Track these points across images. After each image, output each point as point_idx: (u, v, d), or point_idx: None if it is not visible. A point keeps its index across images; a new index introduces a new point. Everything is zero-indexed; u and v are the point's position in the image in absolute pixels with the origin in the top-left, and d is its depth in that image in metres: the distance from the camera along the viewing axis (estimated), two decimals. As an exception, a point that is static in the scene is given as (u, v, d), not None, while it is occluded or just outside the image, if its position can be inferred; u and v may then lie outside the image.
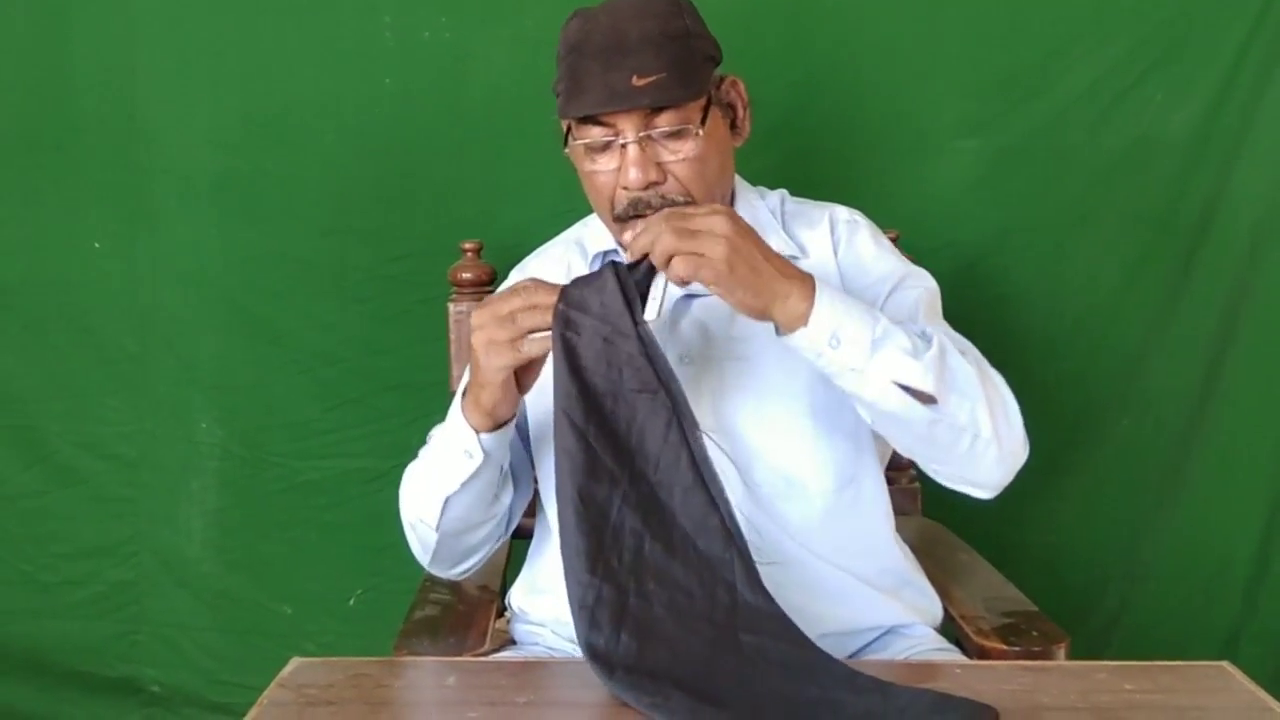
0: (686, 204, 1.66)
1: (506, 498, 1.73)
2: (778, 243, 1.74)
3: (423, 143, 2.47)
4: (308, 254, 2.50)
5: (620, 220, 1.70)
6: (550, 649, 1.76)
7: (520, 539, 1.92)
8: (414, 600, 1.90)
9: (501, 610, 1.92)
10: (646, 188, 1.66)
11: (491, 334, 1.49)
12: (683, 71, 1.65)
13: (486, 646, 1.73)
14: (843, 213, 1.86)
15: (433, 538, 1.70)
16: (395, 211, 2.49)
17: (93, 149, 2.50)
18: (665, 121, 1.64)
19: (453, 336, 2.27)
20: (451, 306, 2.27)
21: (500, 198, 2.47)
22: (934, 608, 1.79)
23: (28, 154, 2.51)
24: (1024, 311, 2.51)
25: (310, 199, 2.49)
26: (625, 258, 1.52)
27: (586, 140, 1.67)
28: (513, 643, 1.83)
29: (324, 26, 2.46)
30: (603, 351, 1.45)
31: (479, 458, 1.60)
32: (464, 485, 1.63)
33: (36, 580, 2.63)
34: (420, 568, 1.81)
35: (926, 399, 1.47)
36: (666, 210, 1.52)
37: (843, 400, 1.58)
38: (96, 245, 2.52)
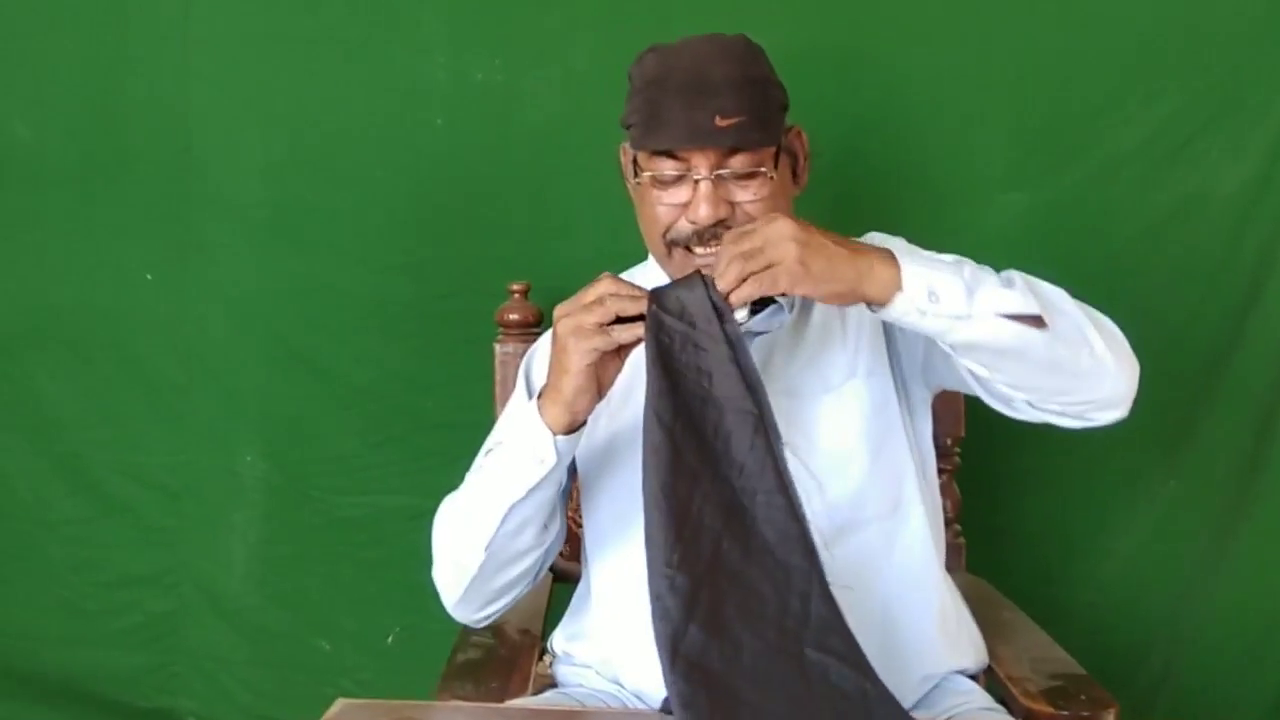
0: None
1: (555, 527, 1.74)
2: None
3: (471, 181, 2.53)
4: (352, 288, 2.56)
5: (671, 246, 1.74)
6: (594, 691, 1.79)
7: (561, 582, 1.95)
8: (455, 642, 1.94)
9: (543, 652, 1.96)
10: (715, 224, 1.70)
11: (579, 320, 1.52)
12: (761, 116, 1.69)
13: (529, 691, 1.77)
14: (875, 236, 1.89)
15: (476, 561, 1.69)
16: (442, 248, 2.54)
17: (145, 179, 2.58)
18: (739, 163, 1.69)
19: (498, 378, 2.31)
20: (498, 347, 2.32)
21: (546, 238, 2.52)
22: (982, 655, 1.83)
23: (81, 182, 2.60)
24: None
25: (356, 233, 2.55)
26: None
27: (657, 173, 1.71)
28: (554, 685, 1.86)
29: (377, 64, 2.53)
30: (693, 357, 1.50)
31: (551, 461, 1.61)
32: (530, 493, 1.63)
33: (76, 608, 2.69)
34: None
35: (1036, 322, 1.50)
36: (726, 235, 1.55)
37: (891, 429, 1.68)
38: (149, 277, 2.59)
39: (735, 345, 1.49)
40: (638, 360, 1.52)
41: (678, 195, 1.71)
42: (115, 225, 2.59)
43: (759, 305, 1.82)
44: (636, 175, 1.76)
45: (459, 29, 2.52)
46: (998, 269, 1.50)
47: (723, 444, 1.49)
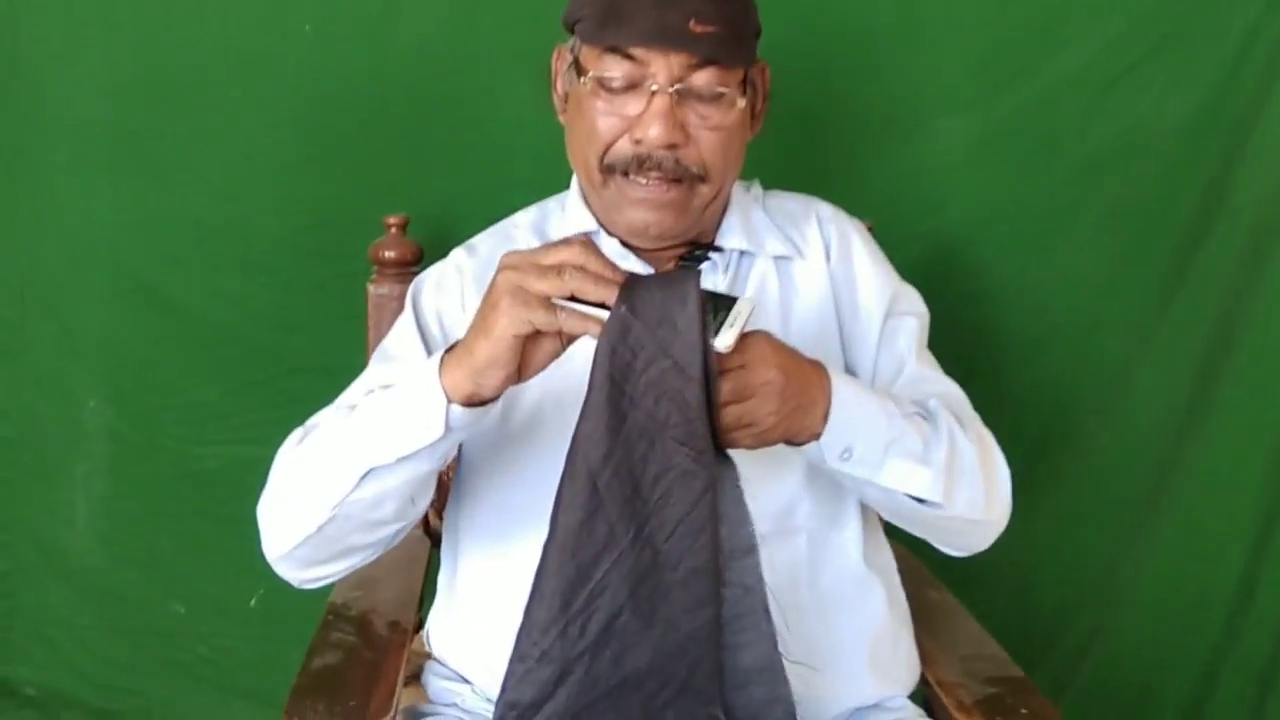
0: (698, 176, 1.58)
1: (424, 502, 1.54)
2: (775, 244, 1.71)
3: (342, 100, 2.30)
4: (209, 217, 2.33)
5: (608, 172, 1.59)
6: (467, 712, 1.63)
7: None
8: (313, 640, 1.74)
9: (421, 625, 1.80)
10: (666, 148, 1.54)
11: (526, 281, 1.29)
12: (738, 31, 1.57)
13: (394, 712, 1.58)
14: (825, 209, 1.81)
15: (316, 521, 1.47)
16: (309, 176, 2.32)
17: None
18: (705, 80, 1.54)
19: (371, 322, 2.13)
20: (372, 288, 2.13)
21: (427, 166, 2.31)
22: (915, 674, 1.71)
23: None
24: (1001, 310, 2.41)
25: (213, 157, 2.32)
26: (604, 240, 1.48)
27: (605, 75, 1.54)
28: (425, 698, 1.70)
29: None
30: (657, 381, 1.27)
31: (436, 433, 1.37)
32: (400, 462, 1.41)
33: (-104, 568, 2.49)
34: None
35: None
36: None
37: None
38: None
39: (710, 384, 1.29)
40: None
41: (625, 105, 1.55)
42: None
43: (688, 262, 1.65)
44: (578, 78, 1.59)
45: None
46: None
47: (659, 500, 1.30)
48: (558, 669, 1.31)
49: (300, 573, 1.59)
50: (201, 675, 2.50)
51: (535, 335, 1.32)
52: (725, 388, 1.30)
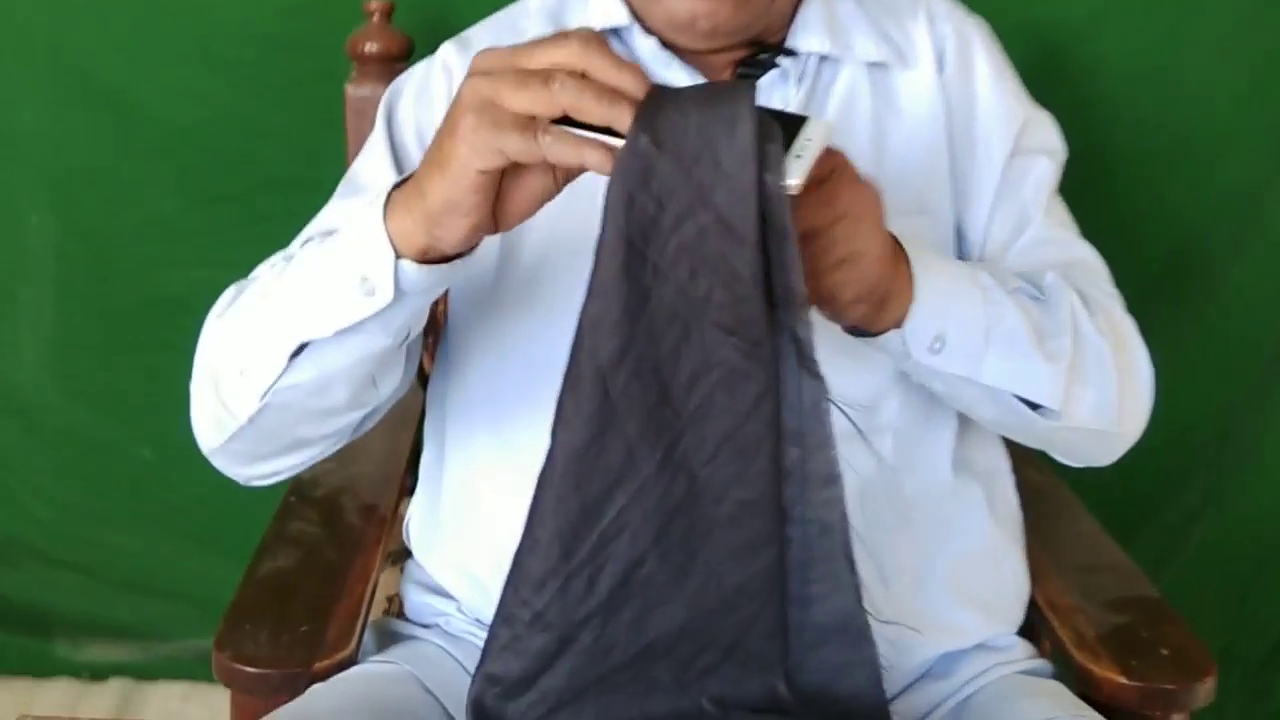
0: None
1: (388, 387, 1.21)
2: (869, 46, 1.31)
3: None
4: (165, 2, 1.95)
5: None
6: (451, 638, 1.33)
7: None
8: (266, 532, 1.42)
9: (397, 556, 1.48)
10: None
11: (501, 92, 0.92)
12: None
13: (353, 644, 1.24)
14: (939, 2, 1.39)
15: (245, 411, 1.16)
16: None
17: None
18: None
19: (351, 127, 1.79)
20: (350, 89, 1.78)
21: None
22: (1024, 600, 1.37)
23: None
24: (1116, 121, 2.00)
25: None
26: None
27: None
28: (401, 617, 1.39)
29: None
30: (693, 246, 0.91)
31: (385, 297, 1.03)
32: (341, 335, 1.08)
33: None
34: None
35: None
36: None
37: None
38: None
39: (772, 228, 0.90)
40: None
41: None
42: None
43: (749, 70, 1.27)
44: None
45: None
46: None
47: (696, 409, 0.94)
48: (555, 636, 0.99)
49: (242, 469, 1.28)
50: (173, 526, 2.24)
51: (516, 169, 0.95)
52: (802, 215, 0.93)
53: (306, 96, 1.95)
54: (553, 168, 0.95)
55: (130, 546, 2.25)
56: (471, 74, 0.94)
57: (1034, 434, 1.25)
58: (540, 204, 0.99)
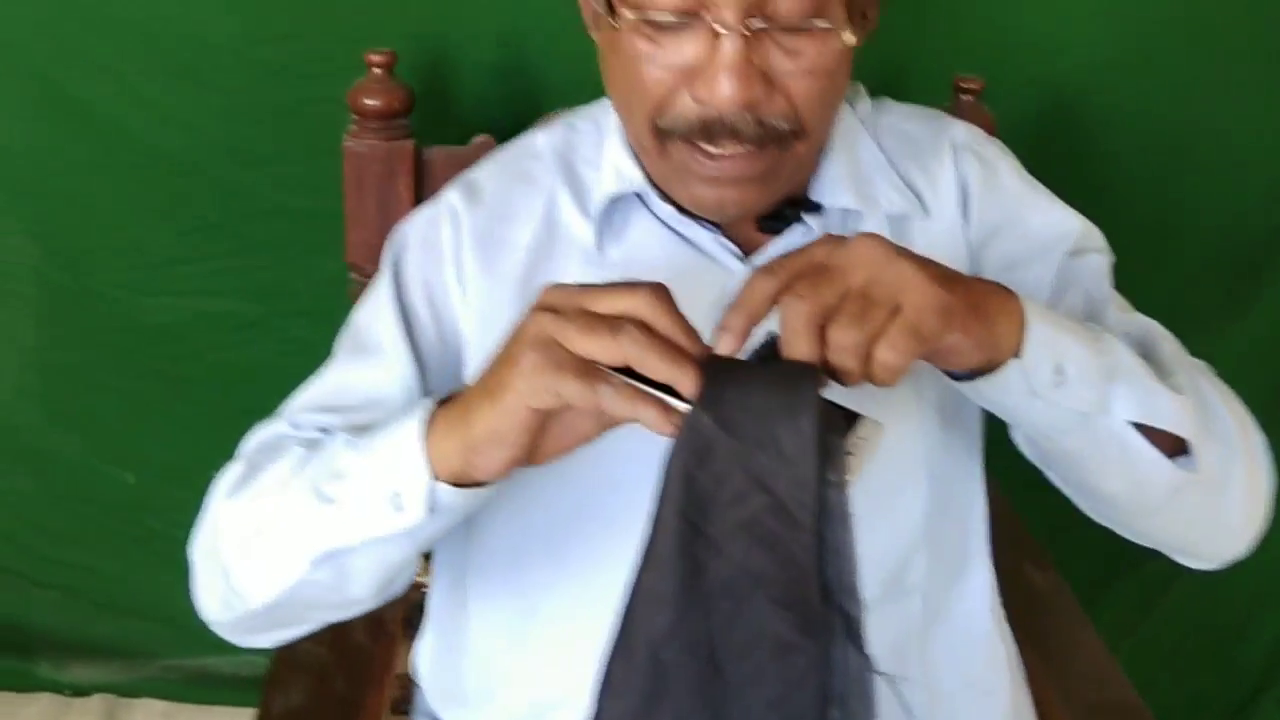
0: (791, 132, 1.12)
1: (403, 582, 1.16)
2: (892, 196, 1.25)
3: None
4: (145, 20, 1.85)
5: (664, 137, 1.13)
6: None
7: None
8: (271, 663, 1.37)
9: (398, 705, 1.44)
10: (743, 109, 1.09)
11: (566, 333, 0.90)
12: None
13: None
14: (960, 131, 1.33)
15: (265, 599, 1.12)
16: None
17: None
18: (790, 9, 1.07)
19: (350, 182, 1.70)
20: (349, 143, 1.70)
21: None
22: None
23: None
24: (1131, 172, 1.95)
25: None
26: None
27: (651, 10, 1.09)
28: None
29: None
30: (751, 525, 0.88)
31: (415, 516, 1.00)
32: (368, 545, 1.04)
33: None
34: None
35: (1174, 445, 1.06)
36: (761, 272, 0.93)
37: (965, 439, 1.21)
38: None
39: (831, 537, 0.88)
40: None
41: (681, 52, 1.09)
42: None
43: (773, 225, 1.21)
44: (612, 12, 1.13)
45: None
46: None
47: (744, 678, 0.89)
48: None
49: (243, 639, 1.23)
50: (154, 550, 2.19)
51: (562, 411, 0.92)
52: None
53: (297, 125, 1.87)
54: (596, 415, 0.92)
55: (112, 569, 2.23)
56: (538, 307, 0.91)
57: (1166, 502, 1.12)
58: (580, 444, 0.96)
